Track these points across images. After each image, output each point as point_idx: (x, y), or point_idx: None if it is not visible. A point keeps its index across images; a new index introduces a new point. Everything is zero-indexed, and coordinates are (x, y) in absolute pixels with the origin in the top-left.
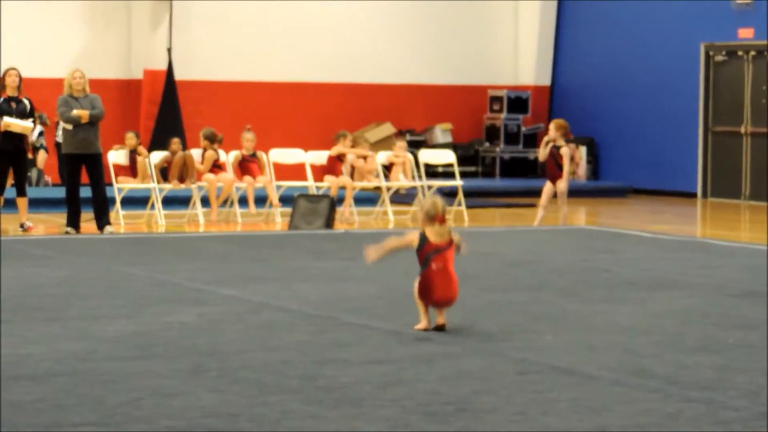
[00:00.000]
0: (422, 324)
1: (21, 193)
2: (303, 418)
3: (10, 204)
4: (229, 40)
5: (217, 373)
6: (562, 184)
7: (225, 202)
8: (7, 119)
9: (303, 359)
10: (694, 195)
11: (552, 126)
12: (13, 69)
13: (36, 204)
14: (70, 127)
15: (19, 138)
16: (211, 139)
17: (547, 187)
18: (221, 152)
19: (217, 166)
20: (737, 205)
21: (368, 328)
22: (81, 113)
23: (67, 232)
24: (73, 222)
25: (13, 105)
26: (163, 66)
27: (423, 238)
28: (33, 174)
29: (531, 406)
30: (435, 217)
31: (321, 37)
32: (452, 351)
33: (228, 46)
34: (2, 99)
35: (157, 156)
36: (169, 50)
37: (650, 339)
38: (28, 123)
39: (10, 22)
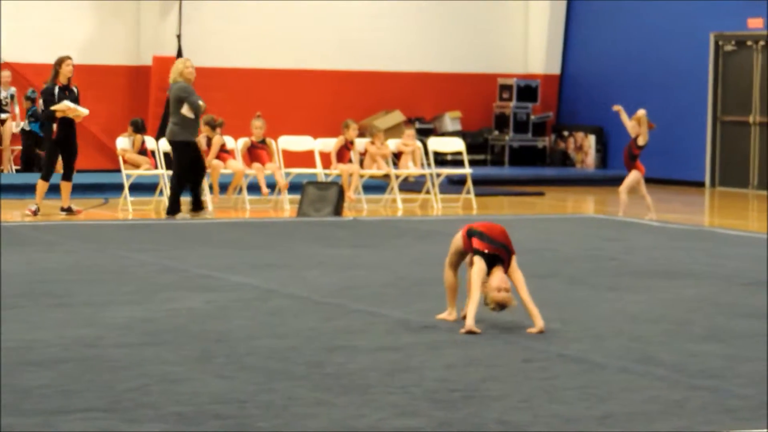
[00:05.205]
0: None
1: (67, 177)
2: (310, 404)
3: (53, 189)
4: (238, 27)
5: (225, 360)
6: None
7: (235, 189)
8: (68, 103)
9: (311, 346)
10: (702, 184)
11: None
12: (69, 57)
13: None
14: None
15: (71, 125)
16: (212, 125)
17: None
18: (230, 139)
19: (223, 151)
20: (745, 195)
21: (376, 315)
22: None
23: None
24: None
25: (67, 93)
26: (172, 52)
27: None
28: None
29: (538, 393)
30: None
31: (331, 25)
32: (459, 339)
33: (237, 33)
34: (58, 87)
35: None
36: (179, 36)
37: (657, 327)
38: (85, 110)
39: (19, 7)
